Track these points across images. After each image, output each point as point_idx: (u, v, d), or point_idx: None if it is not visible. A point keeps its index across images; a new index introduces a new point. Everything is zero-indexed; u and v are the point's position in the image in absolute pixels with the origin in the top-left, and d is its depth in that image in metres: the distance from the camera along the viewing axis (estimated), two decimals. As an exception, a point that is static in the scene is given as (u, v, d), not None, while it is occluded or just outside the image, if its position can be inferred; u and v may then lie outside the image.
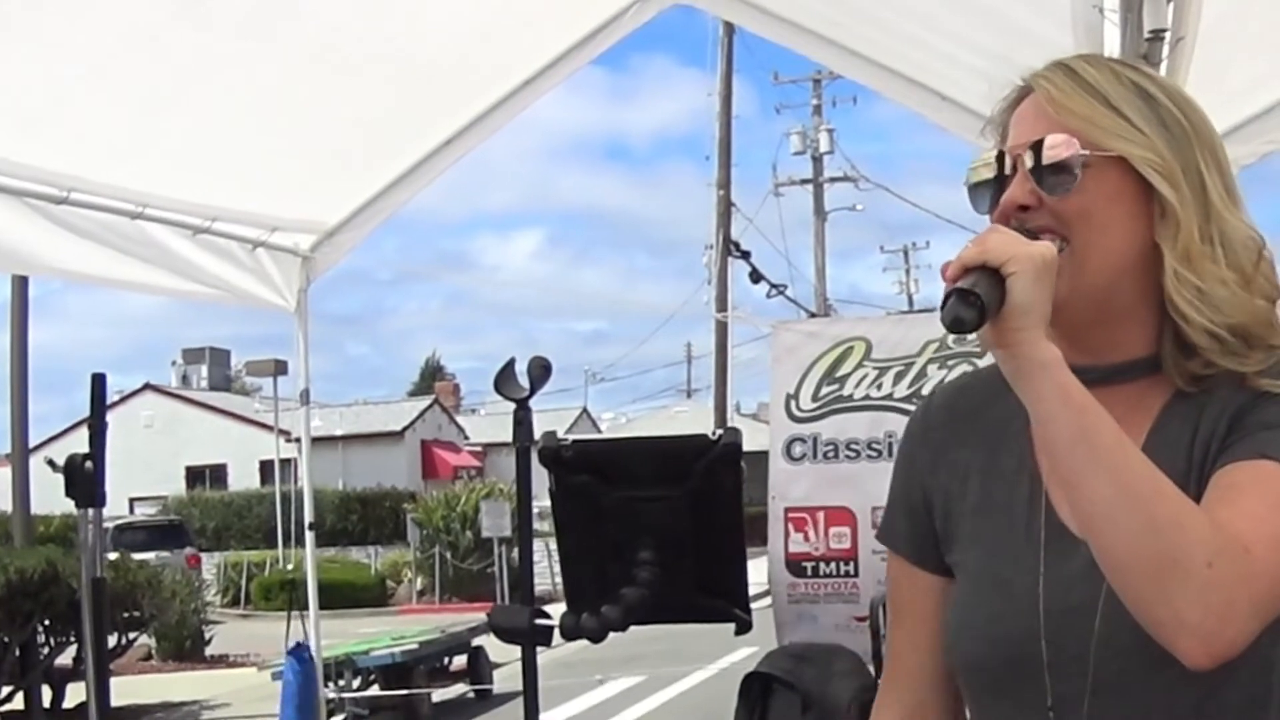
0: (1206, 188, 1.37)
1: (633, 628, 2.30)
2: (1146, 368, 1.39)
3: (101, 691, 3.31)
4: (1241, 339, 1.35)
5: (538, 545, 3.08)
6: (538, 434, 2.31)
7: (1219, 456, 1.31)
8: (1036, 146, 1.37)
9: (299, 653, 8.35)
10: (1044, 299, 1.24)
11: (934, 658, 1.49)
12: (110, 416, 3.33)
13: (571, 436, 2.24)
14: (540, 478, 2.47)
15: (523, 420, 2.34)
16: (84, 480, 3.07)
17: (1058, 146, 1.35)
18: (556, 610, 2.40)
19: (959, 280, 1.23)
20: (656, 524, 2.24)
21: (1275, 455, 1.28)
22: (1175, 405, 1.38)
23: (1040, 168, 1.36)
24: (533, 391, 2.33)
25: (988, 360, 1.37)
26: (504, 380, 2.35)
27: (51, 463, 3.28)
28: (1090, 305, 1.36)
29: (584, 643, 2.46)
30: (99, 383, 3.14)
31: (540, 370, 2.31)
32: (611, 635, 2.28)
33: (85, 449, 3.17)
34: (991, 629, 1.38)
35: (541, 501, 2.93)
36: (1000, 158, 1.40)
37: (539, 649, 2.46)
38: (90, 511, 3.16)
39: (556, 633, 2.32)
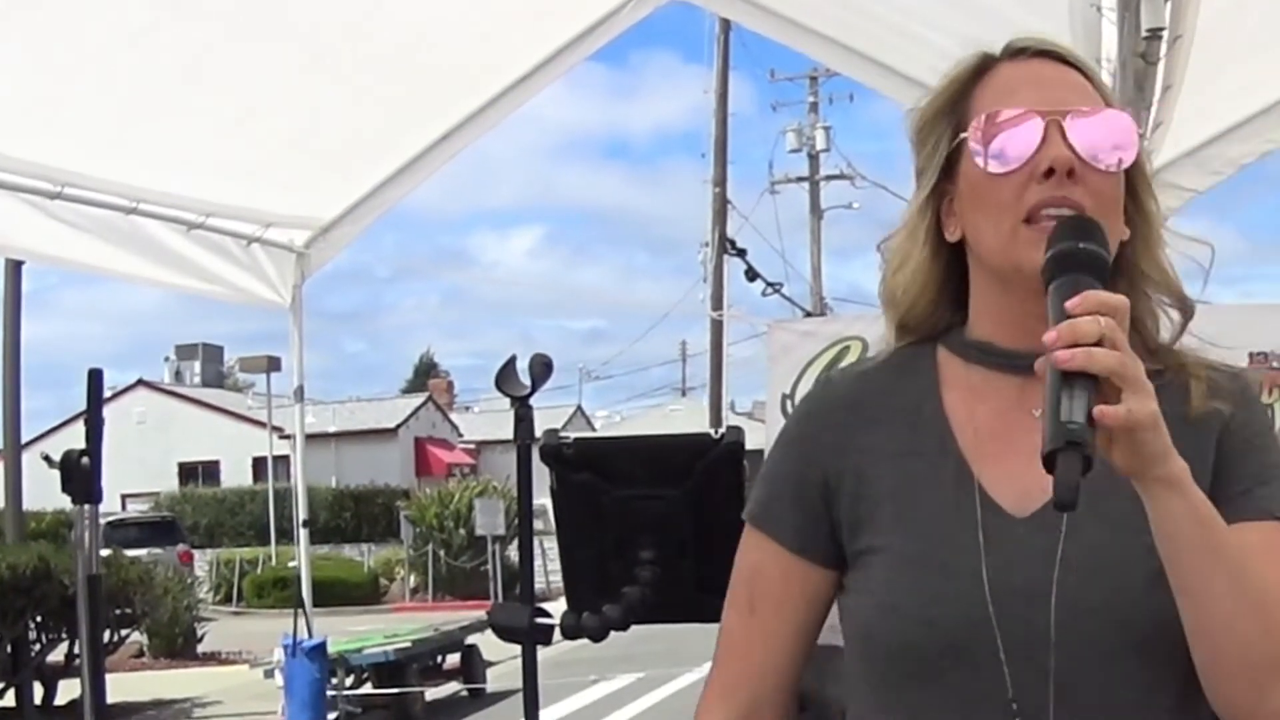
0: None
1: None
2: None
3: (97, 689, 3.30)
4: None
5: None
6: (538, 432, 2.30)
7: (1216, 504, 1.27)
8: (1101, 117, 1.33)
9: (308, 648, 8.27)
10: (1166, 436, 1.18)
11: (787, 654, 1.42)
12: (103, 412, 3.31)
13: (572, 435, 2.23)
14: (539, 476, 2.46)
15: (524, 418, 2.33)
16: (81, 476, 3.06)
17: (1125, 128, 1.33)
18: (551, 608, 2.39)
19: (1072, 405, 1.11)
20: (657, 523, 2.24)
21: None
22: None
23: (1093, 139, 1.32)
24: (534, 389, 2.32)
25: None
26: (505, 378, 2.34)
27: (47, 458, 3.26)
28: None
29: (578, 642, 2.45)
30: (96, 378, 3.13)
31: (542, 368, 2.30)
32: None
33: (79, 444, 3.16)
34: (930, 610, 1.30)
35: (538, 499, 2.93)
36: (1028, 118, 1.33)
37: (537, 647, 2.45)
38: (86, 508, 3.15)
39: (557, 631, 2.31)
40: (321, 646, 6.30)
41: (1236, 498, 1.29)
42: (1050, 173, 1.30)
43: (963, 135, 1.36)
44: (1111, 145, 1.31)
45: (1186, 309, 1.38)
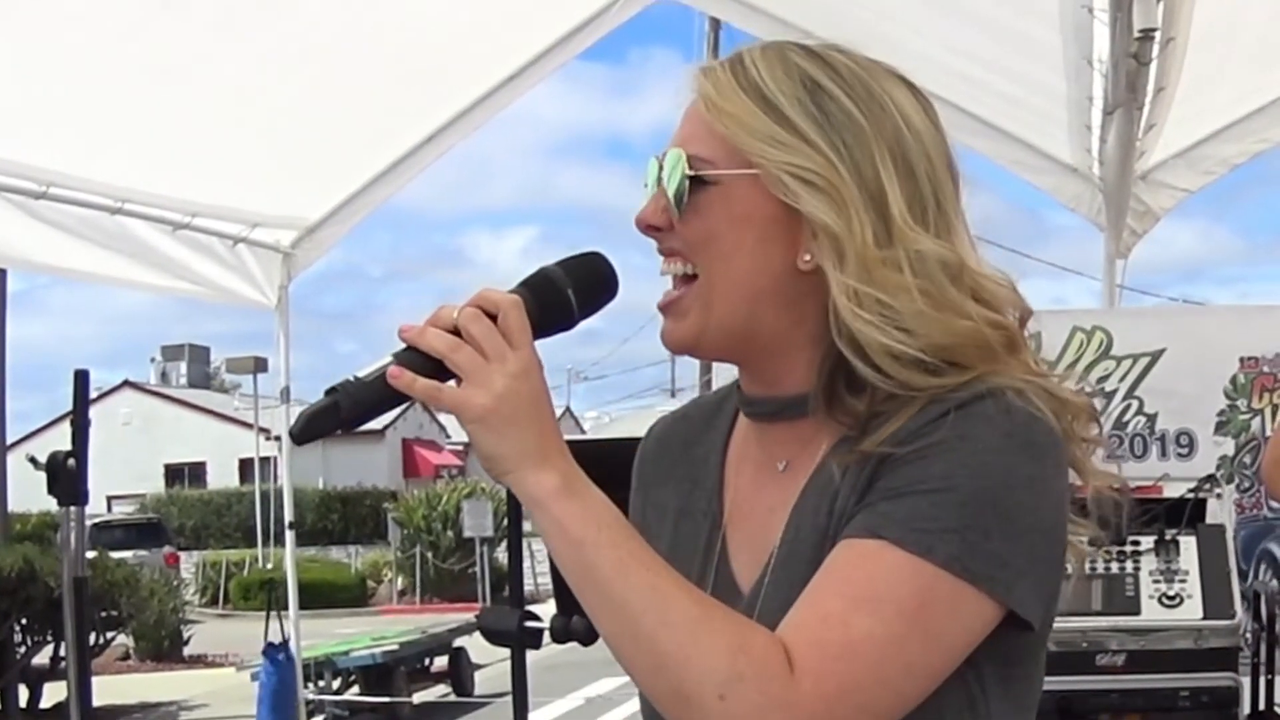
0: (886, 198, 1.17)
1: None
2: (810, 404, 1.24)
3: (83, 691, 3.27)
4: (947, 361, 1.16)
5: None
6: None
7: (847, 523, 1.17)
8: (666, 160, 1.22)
9: (274, 653, 8.32)
10: (516, 437, 1.13)
11: None
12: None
13: (565, 437, 2.21)
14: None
15: (513, 419, 2.31)
16: (66, 478, 3.04)
17: (674, 164, 1.21)
18: (539, 611, 2.37)
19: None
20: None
21: (887, 533, 1.11)
22: (837, 451, 1.21)
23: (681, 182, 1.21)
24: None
25: None
26: (494, 379, 2.31)
27: (33, 460, 3.24)
28: (729, 340, 1.23)
29: (567, 645, 2.43)
30: (81, 379, 3.10)
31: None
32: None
33: (65, 445, 3.14)
34: (649, 706, 1.26)
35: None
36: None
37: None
38: (72, 510, 3.12)
39: (546, 635, 2.30)
40: (283, 648, 6.30)
41: (856, 514, 1.15)
42: None
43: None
44: (673, 191, 1.21)
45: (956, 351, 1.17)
